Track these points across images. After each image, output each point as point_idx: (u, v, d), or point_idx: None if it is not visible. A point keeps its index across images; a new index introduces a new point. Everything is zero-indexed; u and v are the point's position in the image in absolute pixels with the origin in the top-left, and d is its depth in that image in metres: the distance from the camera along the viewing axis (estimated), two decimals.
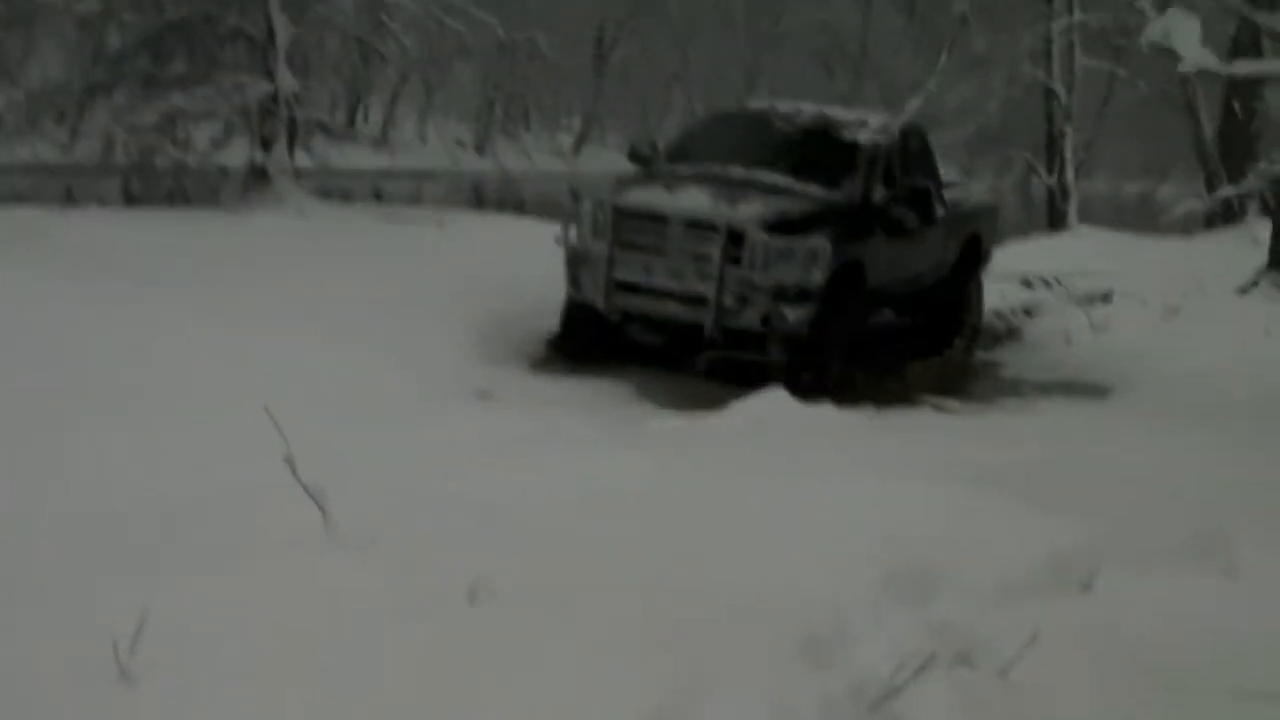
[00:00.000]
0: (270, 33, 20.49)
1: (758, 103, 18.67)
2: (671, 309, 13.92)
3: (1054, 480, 8.88)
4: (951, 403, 14.23)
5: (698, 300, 13.70)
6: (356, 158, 29.04)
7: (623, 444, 9.56)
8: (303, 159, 21.95)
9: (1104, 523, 7.40)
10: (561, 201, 15.47)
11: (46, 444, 7.81)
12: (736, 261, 13.55)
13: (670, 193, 14.17)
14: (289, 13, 20.67)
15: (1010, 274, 21.76)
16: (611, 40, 59.58)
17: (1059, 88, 34.82)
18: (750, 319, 13.68)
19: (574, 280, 14.32)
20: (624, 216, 13.97)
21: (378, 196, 34.61)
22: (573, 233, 14.31)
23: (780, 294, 13.59)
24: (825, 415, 11.80)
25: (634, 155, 16.23)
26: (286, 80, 20.45)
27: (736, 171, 14.76)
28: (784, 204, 14.10)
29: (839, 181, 14.93)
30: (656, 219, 13.90)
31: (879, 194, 15.19)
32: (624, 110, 62.43)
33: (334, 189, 27.67)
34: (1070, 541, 6.87)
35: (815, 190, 14.66)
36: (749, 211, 13.72)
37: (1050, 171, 36.06)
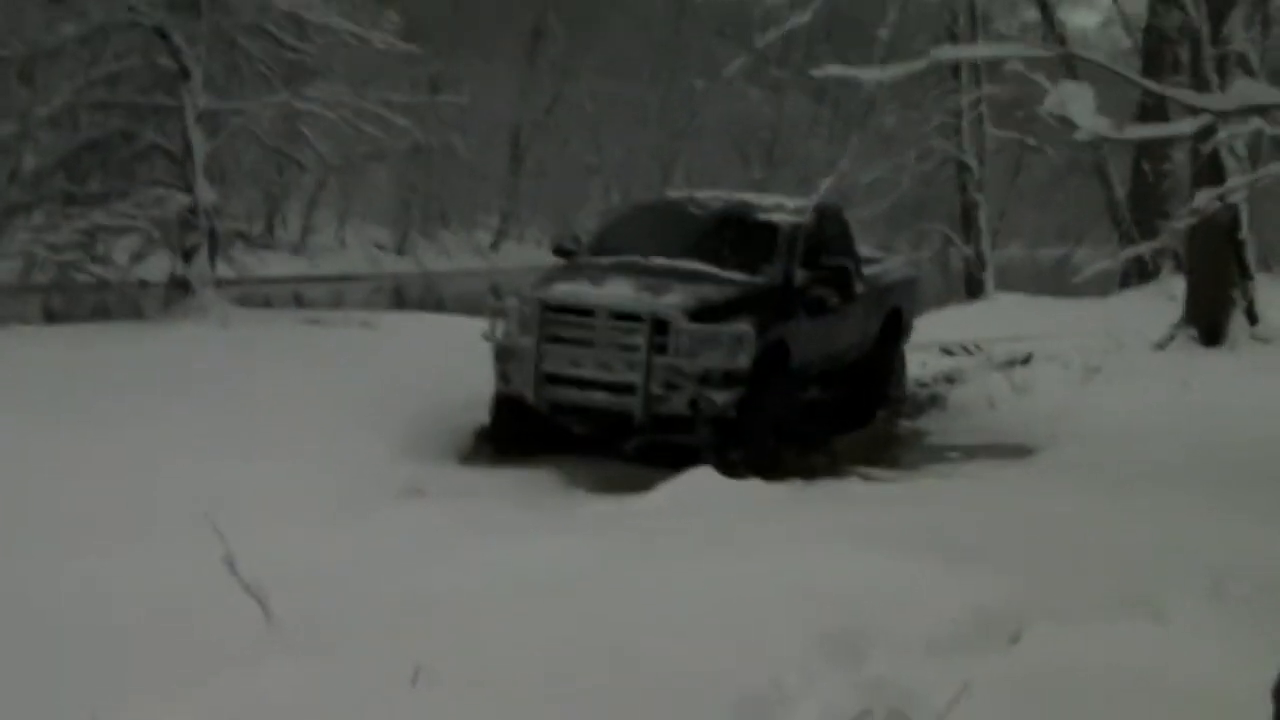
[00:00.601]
0: (187, 146, 20.59)
1: (676, 192, 18.97)
2: (600, 399, 14.03)
3: (979, 540, 9.01)
4: (878, 471, 14.40)
5: (626, 389, 13.84)
6: (276, 265, 29.26)
7: (554, 530, 9.65)
8: (222, 268, 22.01)
9: (1030, 578, 7.54)
10: (482, 299, 15.49)
11: None
12: (663, 350, 13.71)
13: (595, 285, 14.35)
14: (205, 126, 20.77)
15: (931, 343, 22.04)
16: (527, 138, 59.94)
17: (970, 160, 35.36)
18: (678, 404, 13.82)
19: (503, 375, 14.42)
20: (550, 310, 14.11)
21: (299, 302, 34.70)
22: (500, 328, 14.44)
23: (707, 379, 13.76)
24: (753, 490, 11.92)
25: (557, 249, 16.51)
26: (205, 192, 20.52)
27: (659, 261, 15.01)
28: (707, 291, 14.30)
29: (760, 266, 15.18)
30: (582, 312, 14.05)
31: (800, 275, 15.41)
32: (541, 205, 62.66)
33: (254, 297, 27.76)
34: (997, 597, 7.02)
35: (737, 276, 14.88)
36: (673, 300, 13.91)
37: (966, 241, 36.55)
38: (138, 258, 21.78)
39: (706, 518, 10.14)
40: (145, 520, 9.07)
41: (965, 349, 22.49)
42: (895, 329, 18.47)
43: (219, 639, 6.44)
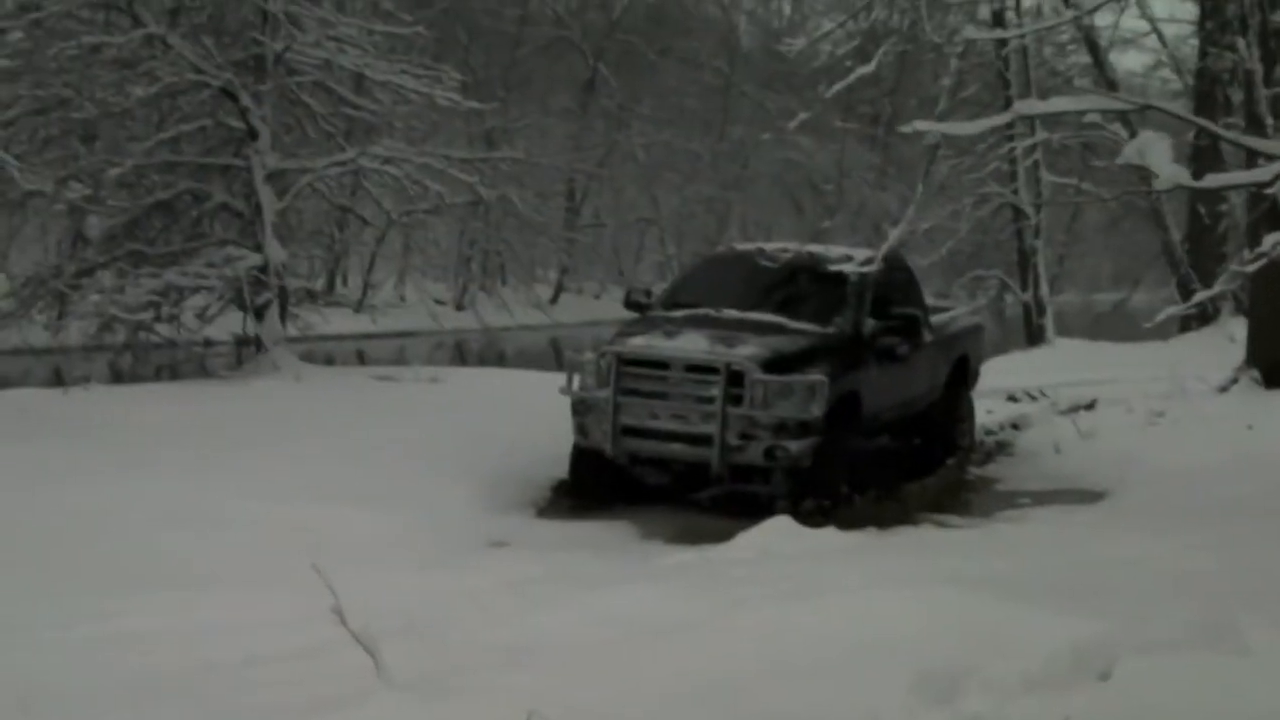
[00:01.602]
0: (256, 205, 20.93)
1: (745, 244, 19.14)
2: (677, 449, 14.33)
3: (1059, 581, 9.12)
4: (951, 518, 14.50)
5: (702, 440, 14.09)
6: (338, 321, 29.46)
7: (640, 578, 9.80)
8: (288, 326, 22.32)
9: (1116, 616, 7.65)
10: (542, 353, 15.71)
11: (101, 614, 8.09)
12: (738, 401, 13.99)
13: (669, 338, 14.66)
14: (273, 185, 21.08)
15: (996, 390, 22.11)
16: (582, 191, 60.24)
17: (1027, 206, 35.32)
18: (754, 454, 14.11)
19: (580, 428, 14.68)
20: (627, 364, 14.40)
21: (361, 359, 35.00)
22: (577, 382, 14.72)
23: (782, 429, 14.04)
24: (830, 539, 12.06)
25: (630, 302, 16.79)
26: (275, 250, 20.87)
27: (731, 313, 15.26)
28: (779, 342, 14.57)
29: (830, 316, 15.44)
30: (658, 364, 14.36)
31: (869, 325, 15.66)
32: (598, 258, 62.97)
33: (317, 354, 28.10)
34: (1086, 635, 7.13)
35: (808, 326, 15.15)
36: (747, 352, 14.17)
37: (1025, 288, 36.54)
38: (207, 317, 22.08)
39: (789, 565, 10.28)
40: (251, 569, 9.29)
41: (1030, 395, 22.57)
42: (962, 376, 18.64)
43: (332, 691, 6.62)
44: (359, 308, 38.95)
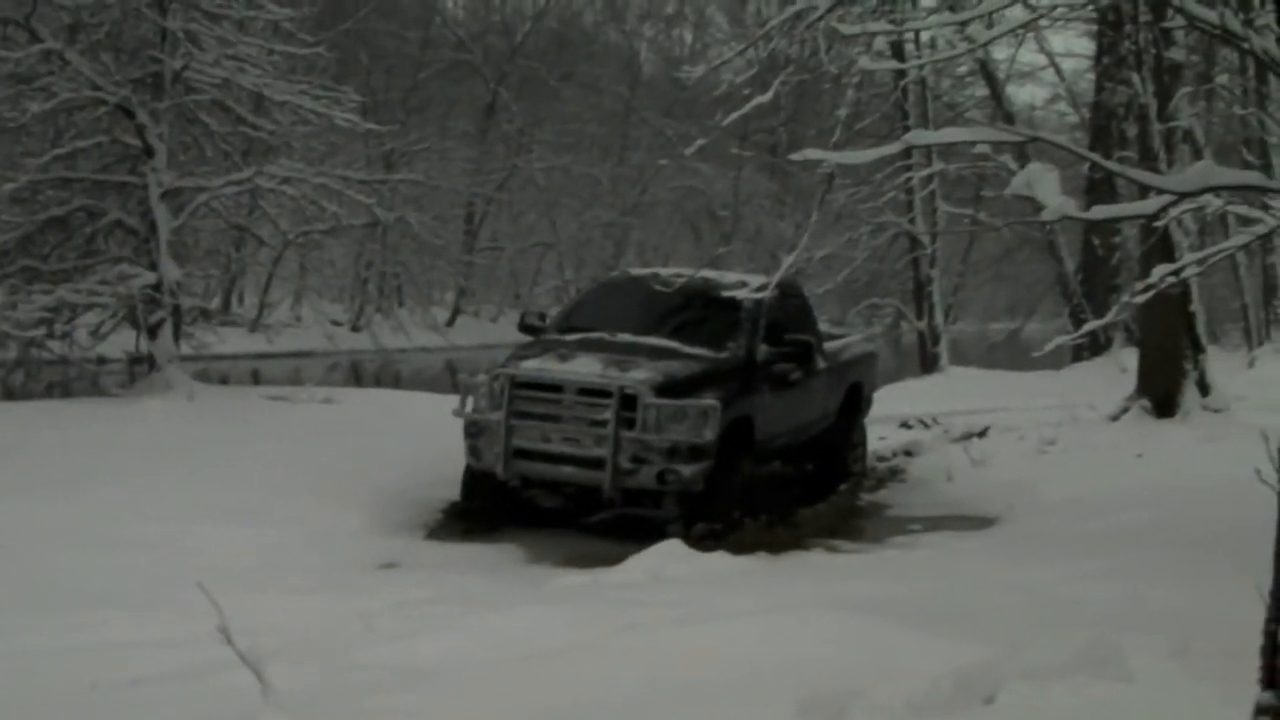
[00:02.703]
0: (151, 223, 20.73)
1: (640, 270, 19.09)
2: (569, 472, 14.30)
3: (947, 607, 9.18)
4: (843, 544, 14.57)
5: (595, 463, 14.07)
6: (233, 341, 29.24)
7: (527, 602, 9.76)
8: (181, 345, 22.12)
9: (1001, 642, 7.71)
10: (438, 375, 15.64)
11: None
12: (630, 424, 13.97)
13: (563, 361, 14.60)
14: (169, 203, 20.90)
15: (889, 416, 22.25)
16: (481, 215, 60.12)
17: (923, 236, 35.55)
18: (646, 478, 14.08)
19: (473, 450, 14.61)
20: (519, 386, 14.34)
21: (256, 379, 34.75)
22: (470, 404, 14.63)
23: (674, 453, 14.04)
24: (722, 563, 12.06)
25: (524, 326, 16.72)
26: (170, 269, 20.68)
27: (625, 337, 15.30)
28: (673, 367, 14.56)
29: (724, 342, 15.50)
30: (551, 387, 14.31)
31: (762, 351, 15.73)
32: (496, 282, 62.84)
33: (212, 373, 27.86)
34: (971, 660, 7.19)
35: (702, 351, 15.18)
36: (640, 376, 14.17)
37: (920, 317, 36.81)
38: (100, 334, 21.83)
39: (680, 589, 10.29)
40: (141, 590, 9.20)
41: (923, 422, 22.75)
42: (855, 403, 18.77)
43: (218, 711, 6.56)
44: (254, 327, 38.82)
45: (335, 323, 46.94)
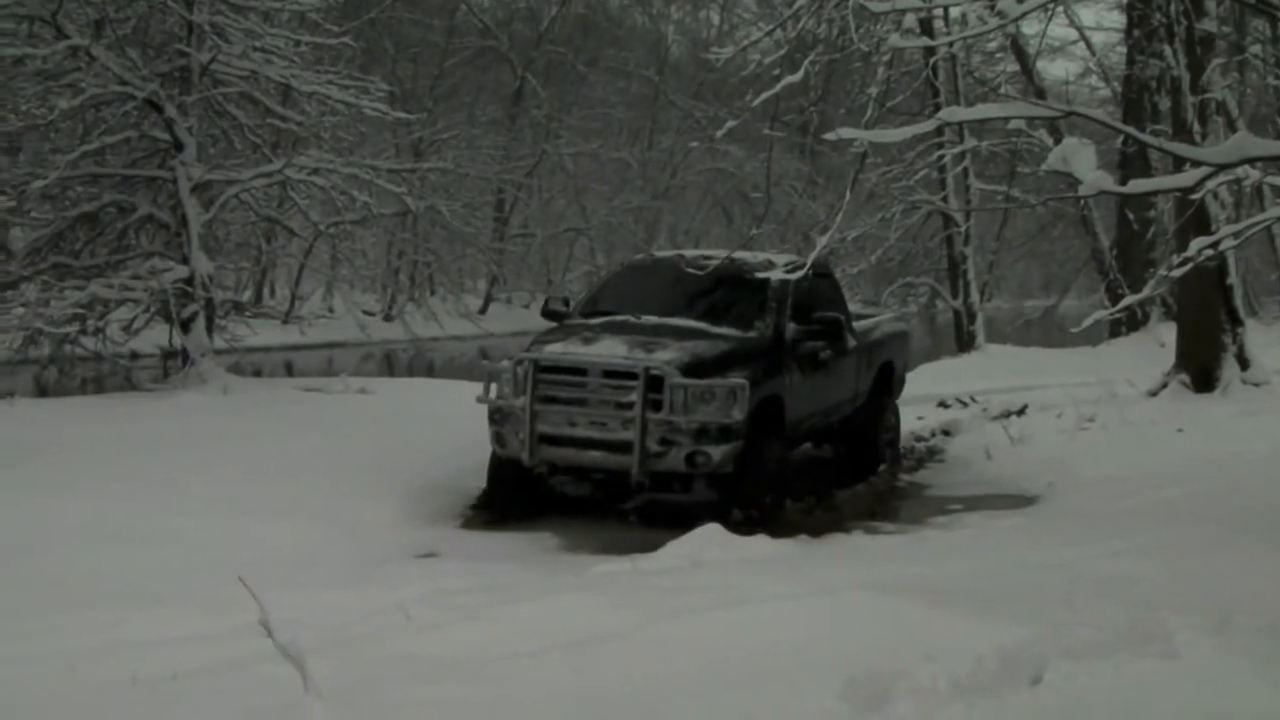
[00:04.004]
0: (182, 217, 20.81)
1: (665, 251, 19.02)
2: (596, 458, 14.08)
3: (989, 587, 9.15)
4: (882, 525, 14.52)
5: (622, 447, 13.88)
6: (265, 333, 29.34)
7: (565, 590, 9.73)
8: (215, 339, 22.22)
9: (1046, 621, 7.69)
10: (475, 363, 15.54)
11: (27, 633, 8.02)
12: (657, 406, 13.78)
13: (587, 344, 14.42)
14: (199, 196, 20.97)
15: (926, 396, 22.22)
16: (511, 202, 60.15)
17: (956, 214, 35.46)
18: (675, 461, 13.89)
19: (498, 437, 14.50)
20: (543, 371, 14.17)
21: (289, 370, 34.85)
22: (493, 391, 14.54)
23: (703, 434, 13.86)
24: (761, 547, 12.01)
25: (547, 312, 16.61)
26: (202, 262, 20.76)
27: (651, 319, 15.18)
28: (700, 347, 14.39)
29: (751, 321, 15.36)
30: (575, 371, 14.12)
31: (791, 330, 15.59)
32: (527, 268, 62.89)
33: (245, 366, 27.95)
34: (1014, 639, 7.18)
35: (729, 331, 15.04)
36: (666, 356, 13.97)
37: (955, 295, 36.68)
38: (133, 329, 21.92)
39: (719, 573, 10.23)
40: (179, 585, 9.23)
41: (960, 401, 22.71)
42: (887, 383, 18.64)
43: (259, 703, 6.58)
44: (287, 319, 38.82)
45: (368, 313, 47.03)
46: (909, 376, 19.86)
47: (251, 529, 11.71)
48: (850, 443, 18.02)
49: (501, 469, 14.77)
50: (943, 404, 22.65)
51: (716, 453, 13.89)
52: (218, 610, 7.73)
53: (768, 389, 14.66)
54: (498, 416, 14.46)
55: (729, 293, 15.81)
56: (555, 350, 14.44)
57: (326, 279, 49.19)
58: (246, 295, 41.55)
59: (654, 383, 13.82)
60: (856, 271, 38.17)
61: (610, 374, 14.01)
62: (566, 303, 16.89)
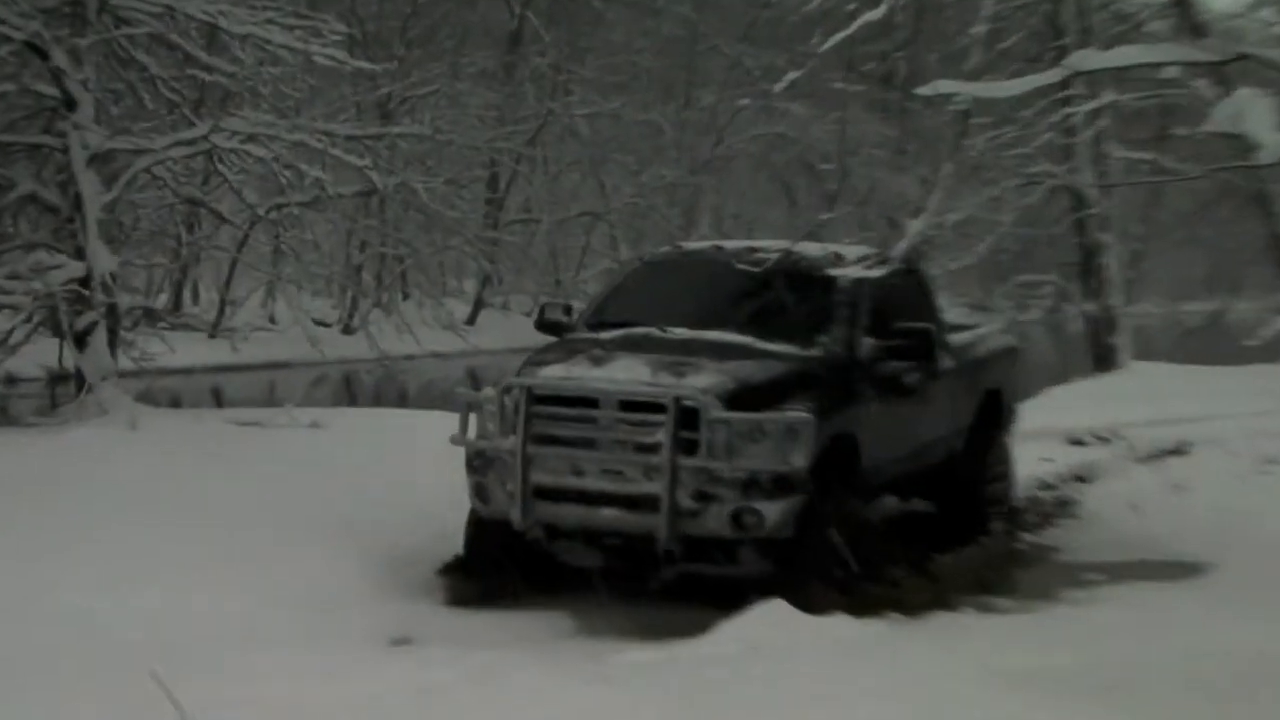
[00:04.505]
0: (76, 197, 20.72)
1: (696, 244, 18.66)
2: (610, 517, 13.57)
3: (1141, 682, 9.09)
4: (998, 601, 14.44)
5: (645, 503, 13.34)
6: (187, 350, 29.42)
7: (584, 685, 9.72)
8: (120, 357, 22.16)
9: None
10: (457, 389, 15.34)
11: None
12: (692, 449, 13.23)
13: (597, 366, 14.03)
14: (99, 170, 20.88)
15: (1053, 431, 22.14)
16: (508, 178, 60.24)
17: (1090, 190, 35.33)
18: (716, 522, 13.33)
19: (479, 490, 14.12)
20: (540, 402, 13.70)
21: (218, 399, 34.94)
22: (473, 428, 14.21)
23: (753, 486, 13.30)
24: (839, 629, 12.00)
25: (544, 322, 16.24)
26: (102, 257, 20.62)
27: (679, 332, 14.76)
28: (747, 369, 13.96)
29: (814, 335, 14.93)
30: (583, 402, 13.68)
31: (866, 346, 15.12)
32: (530, 265, 62.92)
33: (159, 393, 28.00)
34: None
35: (785, 348, 14.59)
36: (703, 382, 13.50)
37: (1089, 296, 36.57)
38: (10, 345, 21.85)
39: (784, 664, 10.23)
40: (73, 677, 9.16)
41: (1099, 437, 22.64)
42: (994, 416, 18.23)
43: None
44: (214, 332, 39.05)
45: (320, 323, 47.18)
46: (1027, 406, 19.76)
47: (171, 603, 11.64)
48: (946, 495, 17.52)
49: (483, 532, 14.35)
50: (1076, 441, 22.60)
51: (771, 510, 13.33)
52: (125, 713, 7.62)
53: (837, 425, 14.15)
54: (479, 462, 14.09)
55: (784, 297, 15.45)
56: (555, 374, 14.07)
57: (267, 279, 49.38)
58: (161, 301, 41.76)
59: (687, 417, 13.29)
60: (959, 267, 38.07)
61: (629, 406, 13.53)
62: (569, 310, 16.48)
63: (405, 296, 55.88)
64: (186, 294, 48.79)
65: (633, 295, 16.32)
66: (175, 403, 28.66)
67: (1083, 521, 18.19)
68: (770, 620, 11.75)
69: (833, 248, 16.61)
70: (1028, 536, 17.68)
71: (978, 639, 11.91)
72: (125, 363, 22.59)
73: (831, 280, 15.09)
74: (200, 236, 31.78)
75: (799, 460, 13.32)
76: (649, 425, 13.37)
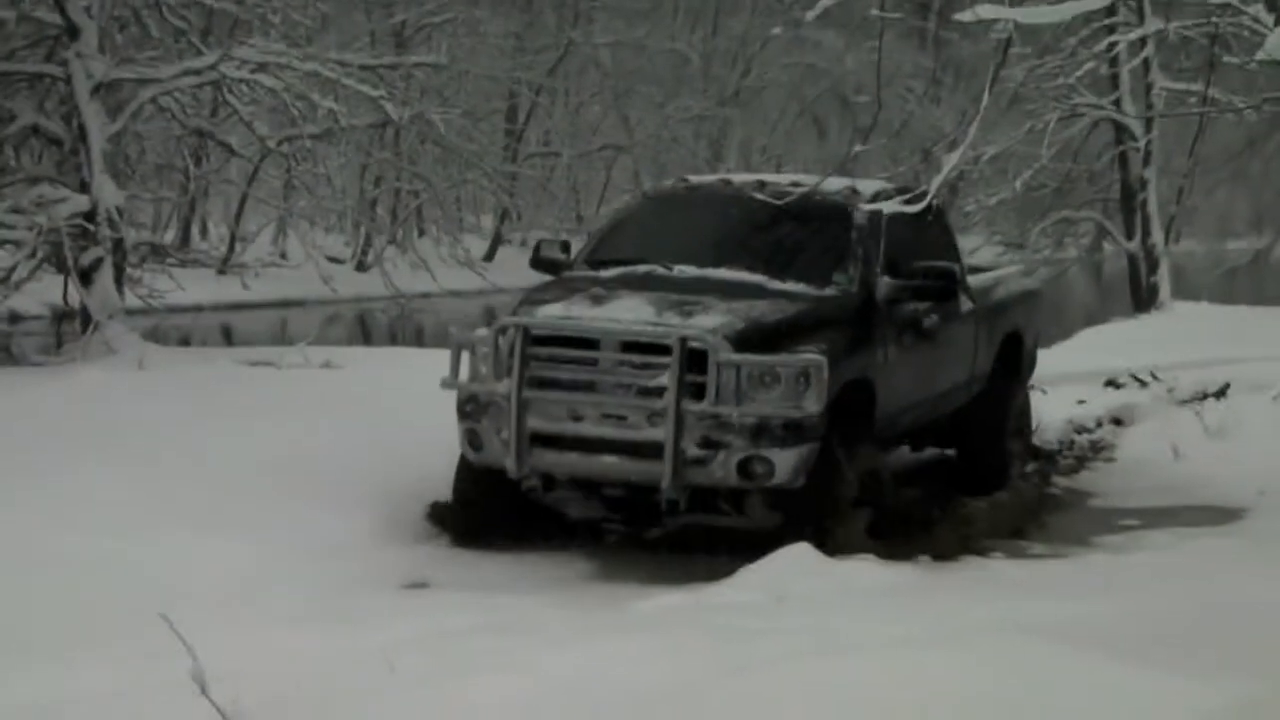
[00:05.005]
0: (80, 129, 20.74)
1: (703, 178, 18.35)
2: (611, 466, 13.47)
3: (1182, 632, 9.06)
4: (1030, 546, 14.47)
5: (647, 450, 13.16)
6: (195, 288, 29.45)
7: (608, 632, 9.69)
8: (126, 294, 22.19)
9: (1262, 680, 7.61)
10: (473, 326, 15.20)
11: None
12: (699, 393, 13.02)
13: (598, 305, 13.82)
14: (103, 101, 20.89)
15: (1089, 373, 22.13)
16: (528, 109, 60.10)
17: (1134, 123, 35.19)
18: (723, 470, 13.20)
19: (471, 436, 13.95)
20: (536, 343, 13.48)
21: (228, 337, 34.99)
22: (465, 370, 14.07)
23: (762, 433, 13.16)
24: (867, 574, 11.96)
25: (540, 260, 16.03)
26: (107, 191, 20.65)
27: (686, 270, 14.60)
28: (758, 309, 13.78)
29: (829, 273, 14.73)
30: (582, 343, 13.48)
31: (884, 286, 14.93)
32: (550, 199, 62.84)
33: (168, 331, 28.04)
34: (1218, 705, 7.11)
35: (797, 288, 14.45)
36: (710, 322, 13.30)
37: (1130, 235, 36.49)
38: (13, 282, 21.87)
39: (810, 612, 10.21)
40: (79, 624, 9.25)
41: (1138, 379, 22.61)
42: (1014, 363, 18.04)
43: None
44: (224, 268, 39.05)
45: (333, 260, 47.17)
46: (1063, 347, 19.72)
47: (178, 548, 11.71)
48: (965, 446, 17.43)
49: (475, 482, 14.26)
50: (1113, 383, 22.55)
51: (781, 459, 13.20)
52: (133, 659, 7.70)
53: (853, 369, 14.06)
54: (471, 407, 13.90)
55: (797, 233, 15.38)
56: (553, 313, 13.86)
57: (278, 214, 49.38)
58: (169, 236, 41.79)
59: (694, 359, 13.07)
60: (996, 202, 38.02)
61: (632, 347, 13.33)
62: (566, 248, 16.17)
63: (421, 233, 55.80)
64: (195, 229, 48.84)
65: (635, 231, 16.13)
66: (184, 341, 28.72)
67: (1119, 465, 18.22)
68: (795, 565, 11.73)
69: (849, 182, 16.25)
70: (1062, 480, 17.71)
71: (1010, 586, 11.89)
72: (132, 300, 22.65)
73: (848, 215, 14.99)
74: (209, 170, 31.78)
75: (812, 406, 13.15)
76: (653, 368, 13.20)
